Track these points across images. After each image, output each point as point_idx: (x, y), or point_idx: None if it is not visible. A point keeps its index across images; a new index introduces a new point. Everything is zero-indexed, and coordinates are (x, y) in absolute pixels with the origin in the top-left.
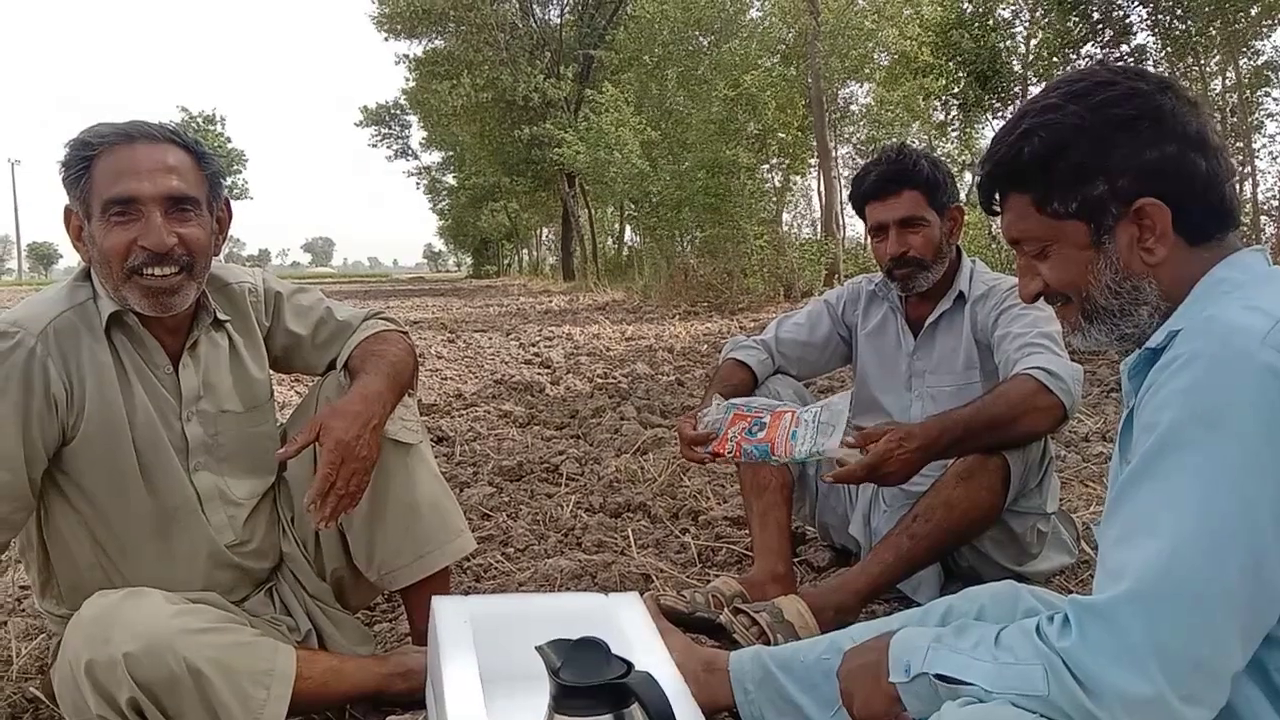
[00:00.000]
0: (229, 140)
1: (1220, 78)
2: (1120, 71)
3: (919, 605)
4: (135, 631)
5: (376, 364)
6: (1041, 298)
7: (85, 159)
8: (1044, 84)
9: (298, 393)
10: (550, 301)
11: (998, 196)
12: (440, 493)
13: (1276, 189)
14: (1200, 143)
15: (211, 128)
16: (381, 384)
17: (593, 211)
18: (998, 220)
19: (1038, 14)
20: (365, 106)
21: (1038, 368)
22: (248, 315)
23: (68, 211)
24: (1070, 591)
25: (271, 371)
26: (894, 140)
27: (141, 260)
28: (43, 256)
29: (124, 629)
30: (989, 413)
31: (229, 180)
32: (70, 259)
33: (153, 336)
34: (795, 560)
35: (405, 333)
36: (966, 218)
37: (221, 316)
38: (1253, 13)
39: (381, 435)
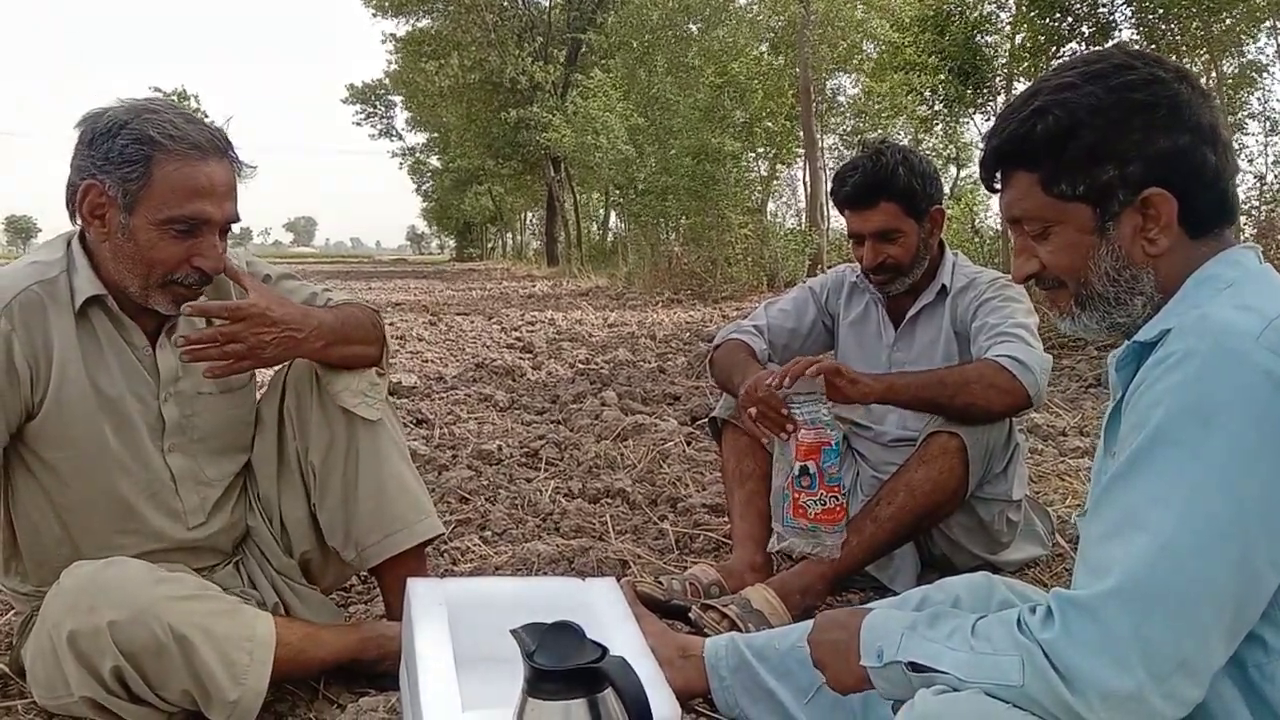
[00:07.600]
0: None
1: (1204, 77)
2: (1138, 56)
3: (895, 594)
4: (120, 600)
5: (332, 310)
6: (1035, 280)
7: (147, 156)
8: (1028, 80)
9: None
10: (533, 286)
11: (1000, 174)
12: (409, 474)
13: (1258, 189)
14: (1212, 135)
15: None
16: (327, 316)
17: (578, 197)
18: (979, 213)
19: (1020, 10)
20: (351, 84)
21: (1003, 355)
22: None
23: (89, 186)
24: (1045, 584)
25: None
26: (877, 135)
27: (194, 279)
28: (21, 230)
29: (108, 597)
30: (937, 374)
31: None
32: (50, 234)
33: (130, 318)
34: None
35: (376, 311)
36: (950, 213)
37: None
38: (1236, 13)
39: (337, 404)
